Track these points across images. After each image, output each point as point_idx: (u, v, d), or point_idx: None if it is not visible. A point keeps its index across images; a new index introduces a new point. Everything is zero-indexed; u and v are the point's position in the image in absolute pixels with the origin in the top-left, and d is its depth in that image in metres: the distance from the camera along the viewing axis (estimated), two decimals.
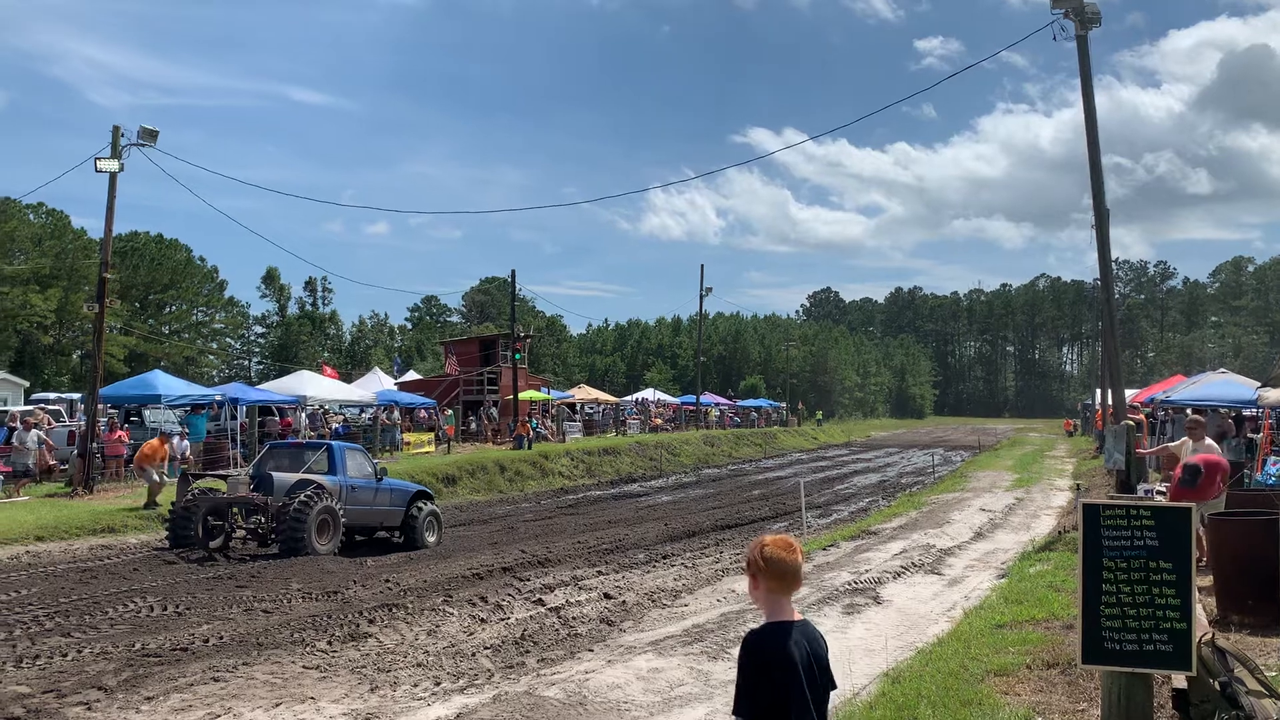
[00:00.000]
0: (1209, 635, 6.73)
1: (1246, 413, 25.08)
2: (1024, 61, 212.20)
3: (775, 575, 3.38)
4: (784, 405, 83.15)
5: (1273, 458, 17.83)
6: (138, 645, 10.28)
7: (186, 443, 28.40)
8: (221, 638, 10.74)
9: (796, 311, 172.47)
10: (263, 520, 16.65)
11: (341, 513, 17.07)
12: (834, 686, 3.48)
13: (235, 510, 16.99)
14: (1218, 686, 6.18)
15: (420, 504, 18.77)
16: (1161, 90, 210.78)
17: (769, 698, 3.31)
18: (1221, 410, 23.56)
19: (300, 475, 17.16)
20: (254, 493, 16.90)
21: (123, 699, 8.38)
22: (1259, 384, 21.52)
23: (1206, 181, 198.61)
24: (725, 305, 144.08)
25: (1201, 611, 7.51)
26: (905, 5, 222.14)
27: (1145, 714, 6.25)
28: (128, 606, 12.34)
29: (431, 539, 18.65)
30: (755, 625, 3.52)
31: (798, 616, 3.43)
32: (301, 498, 16.41)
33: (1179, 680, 6.49)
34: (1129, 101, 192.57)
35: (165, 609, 12.32)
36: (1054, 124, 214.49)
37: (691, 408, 62.94)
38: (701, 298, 61.34)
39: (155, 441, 21.93)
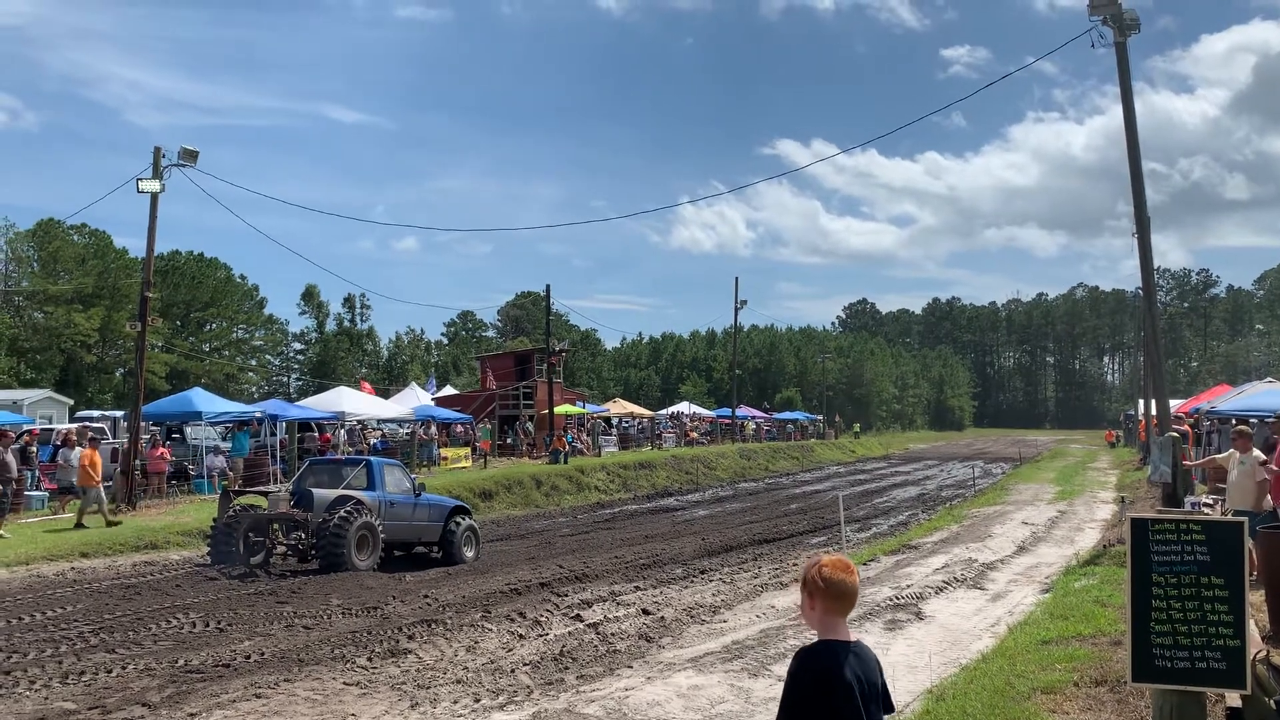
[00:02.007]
0: (1263, 652, 6.58)
1: None
2: (1054, 69, 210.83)
3: (832, 596, 3.32)
4: (820, 418, 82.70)
5: None
6: (181, 661, 10.36)
7: (223, 459, 28.74)
8: (263, 654, 10.80)
9: (832, 323, 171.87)
10: (303, 536, 16.74)
11: (381, 528, 17.10)
12: (891, 710, 3.41)
13: (276, 527, 17.11)
14: (1273, 705, 6.04)
15: (458, 519, 18.84)
16: (1195, 95, 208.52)
17: (816, 717, 3.25)
18: (1269, 421, 23.08)
19: (340, 491, 17.21)
20: (294, 509, 17.01)
21: (166, 715, 8.45)
22: None
23: (1244, 187, 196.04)
24: (759, 317, 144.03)
25: (1255, 628, 7.34)
26: (931, 14, 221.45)
27: None
28: (171, 623, 12.45)
29: (469, 554, 18.71)
30: (806, 643, 3.46)
31: (852, 637, 3.37)
32: (341, 513, 16.48)
33: (1233, 699, 6.34)
34: (1162, 107, 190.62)
35: (208, 625, 12.41)
36: (1085, 131, 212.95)
37: (727, 421, 62.75)
38: (736, 310, 61.25)
39: (89, 451, 21.15)
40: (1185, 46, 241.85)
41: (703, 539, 21.45)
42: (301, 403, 37.79)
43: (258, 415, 31.49)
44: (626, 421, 58.10)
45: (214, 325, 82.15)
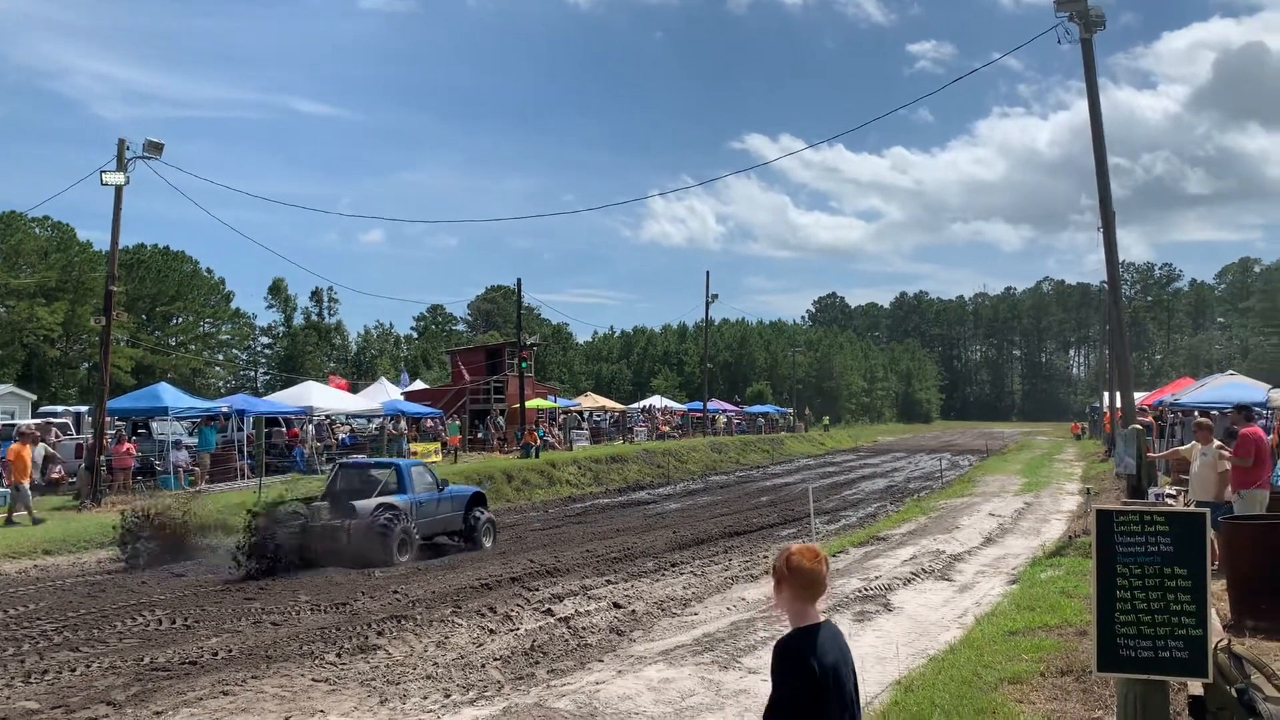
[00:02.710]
0: (1225, 641, 6.67)
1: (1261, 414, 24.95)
2: (1019, 65, 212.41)
3: (800, 584, 3.44)
4: (791, 411, 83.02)
5: None
6: (146, 659, 10.26)
7: (189, 454, 28.47)
8: (230, 651, 10.72)
9: (802, 317, 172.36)
10: (346, 542, 16.80)
11: (415, 529, 17.91)
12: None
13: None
14: (1234, 693, 6.12)
15: (478, 511, 20.05)
16: (1157, 91, 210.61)
17: (806, 700, 3.32)
18: (1228, 412, 23.45)
19: (378, 499, 17.75)
20: (337, 519, 17.11)
21: (132, 714, 8.37)
22: (1270, 385, 21.44)
23: (1205, 182, 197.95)
24: (730, 311, 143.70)
25: (1216, 617, 7.45)
26: (898, 9, 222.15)
27: None
28: (136, 620, 12.33)
29: (488, 542, 19.73)
30: (778, 634, 3.52)
31: (822, 619, 3.47)
32: (382, 521, 17.20)
33: (1195, 687, 6.44)
34: (1125, 103, 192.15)
35: (174, 622, 12.31)
36: (1050, 126, 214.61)
37: (698, 414, 62.88)
38: (708, 304, 61.33)
39: (17, 446, 20.81)
40: (1147, 43, 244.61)
41: (674, 532, 21.49)
42: (269, 397, 37.46)
43: (224, 410, 31.21)
44: (598, 415, 58.06)
45: (180, 319, 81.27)
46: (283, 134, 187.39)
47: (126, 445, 26.74)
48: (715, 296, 61.49)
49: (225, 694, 8.93)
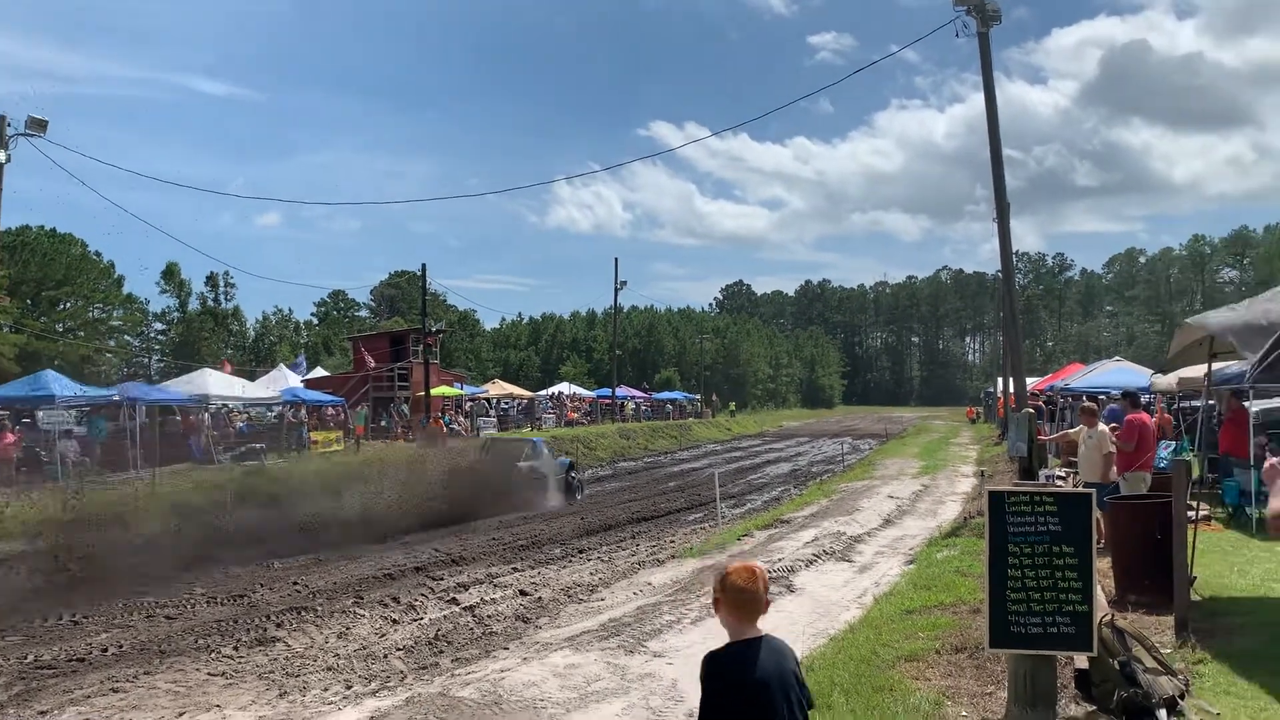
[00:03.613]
0: (1109, 616, 6.95)
1: (1144, 399, 26.01)
2: (916, 57, 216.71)
3: (733, 601, 3.41)
4: (698, 397, 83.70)
5: (1165, 442, 18.51)
6: (30, 657, 9.86)
7: (78, 444, 27.45)
8: (121, 646, 10.37)
9: (710, 304, 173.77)
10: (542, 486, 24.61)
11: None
12: (812, 705, 3.45)
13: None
14: (1117, 666, 6.39)
15: (574, 473, 26.79)
16: (1048, 86, 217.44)
17: (721, 714, 3.30)
18: (1116, 396, 24.41)
19: (558, 459, 26.95)
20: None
21: (14, 714, 8.03)
22: (1152, 371, 22.35)
23: (1093, 175, 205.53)
24: (639, 298, 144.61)
25: (1101, 593, 7.76)
26: (799, 0, 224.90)
27: (1050, 695, 6.42)
28: (20, 616, 11.84)
29: (579, 496, 26.15)
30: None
31: (759, 632, 3.41)
32: (568, 473, 26.13)
33: (1081, 661, 6.70)
34: (1018, 97, 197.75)
35: (60, 618, 11.86)
36: (947, 119, 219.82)
37: (607, 401, 62.95)
38: (616, 291, 61.38)
39: None
40: (1038, 39, 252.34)
41: (581, 519, 21.48)
42: (163, 385, 36.27)
43: (115, 398, 30.12)
44: (506, 403, 57.69)
45: (68, 304, 77.97)
46: (181, 114, 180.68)
47: (9, 436, 25.61)
48: (624, 283, 61.56)
49: (115, 691, 8.63)
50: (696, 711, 3.41)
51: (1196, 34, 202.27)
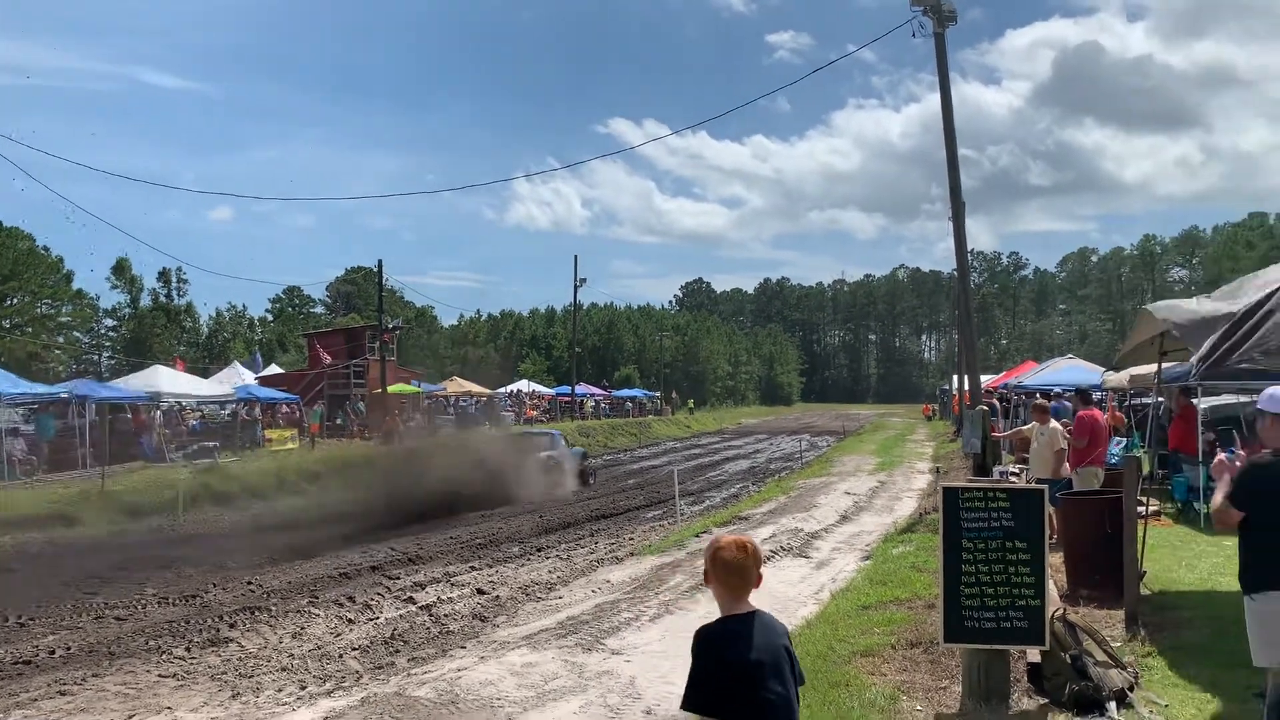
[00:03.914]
0: (1060, 611, 7.04)
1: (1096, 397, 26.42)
2: (873, 57, 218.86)
3: (725, 573, 3.36)
4: (658, 395, 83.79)
5: (1116, 439, 18.81)
6: None
7: (24, 442, 26.91)
8: (69, 648, 10.19)
9: (670, 302, 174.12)
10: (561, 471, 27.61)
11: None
12: (803, 680, 3.42)
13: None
14: (1069, 659, 6.47)
15: (587, 461, 30.88)
16: (1002, 87, 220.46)
17: (709, 689, 3.25)
18: (1069, 394, 24.76)
19: (573, 449, 30.77)
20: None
21: None
22: (1104, 369, 22.69)
23: (1046, 174, 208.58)
24: (599, 295, 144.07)
25: (1054, 588, 7.86)
26: None
27: (1003, 688, 6.50)
28: None
29: (591, 480, 29.27)
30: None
31: (751, 608, 3.37)
32: (584, 462, 30.05)
33: (1034, 655, 6.78)
34: (972, 97, 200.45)
35: (7, 620, 11.62)
36: (903, 118, 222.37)
37: (566, 399, 62.81)
38: (576, 288, 61.29)
39: None
40: (992, 40, 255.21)
41: (540, 516, 21.42)
42: (113, 383, 35.63)
43: (64, 396, 29.55)
44: (464, 400, 57.37)
45: (14, 300, 76.39)
46: (133, 107, 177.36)
47: None
48: (584, 280, 61.58)
49: (63, 694, 8.47)
50: (684, 688, 3.34)
51: (1146, 36, 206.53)
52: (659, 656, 8.92)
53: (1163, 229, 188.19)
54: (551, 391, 68.50)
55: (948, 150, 19.44)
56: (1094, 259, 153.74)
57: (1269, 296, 7.53)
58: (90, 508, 20.85)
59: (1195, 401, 15.37)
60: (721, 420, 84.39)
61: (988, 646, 6.42)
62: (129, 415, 32.15)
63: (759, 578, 3.39)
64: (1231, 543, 5.35)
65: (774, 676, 3.26)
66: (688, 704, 3.32)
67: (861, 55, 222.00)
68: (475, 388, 62.75)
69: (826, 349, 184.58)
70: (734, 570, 3.36)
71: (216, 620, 11.35)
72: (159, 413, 32.73)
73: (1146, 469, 15.03)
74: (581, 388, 68.49)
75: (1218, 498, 5.27)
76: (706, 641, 3.34)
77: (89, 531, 19.51)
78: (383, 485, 22.95)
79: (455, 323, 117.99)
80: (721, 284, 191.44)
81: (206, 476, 25.13)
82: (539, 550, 16.72)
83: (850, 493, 22.95)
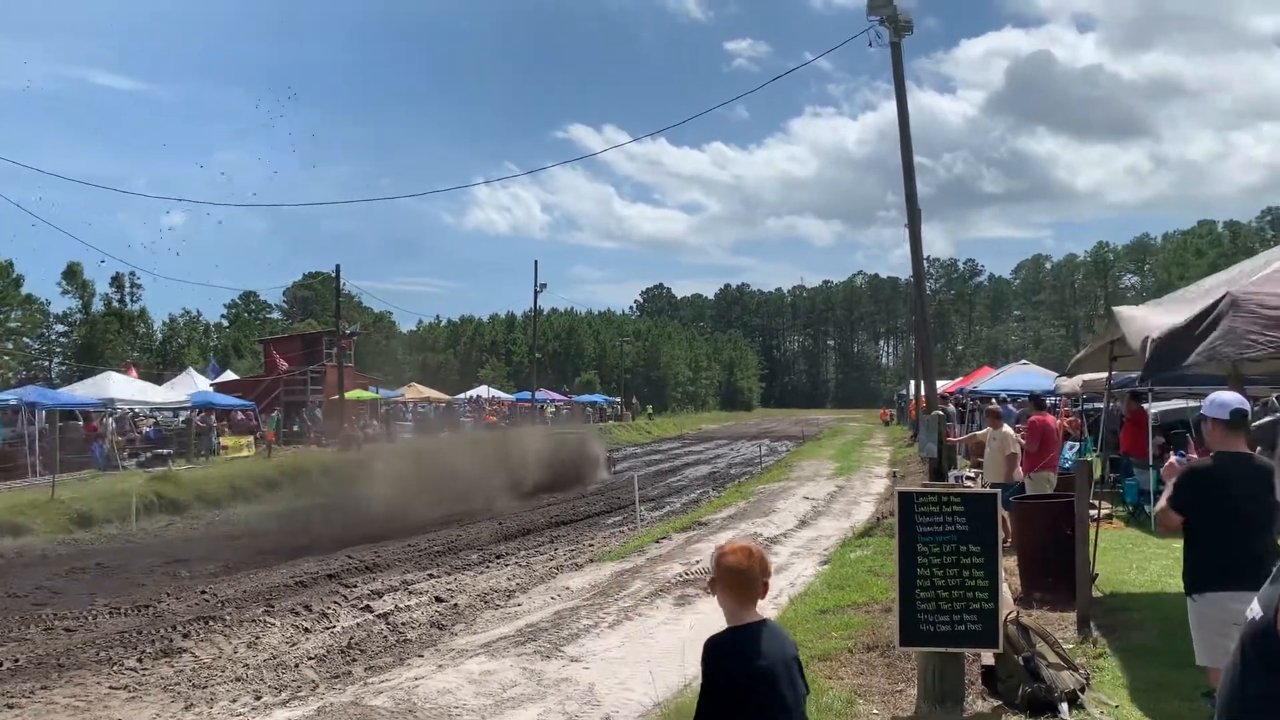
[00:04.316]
0: (1014, 613, 7.13)
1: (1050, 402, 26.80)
2: (829, 65, 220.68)
3: (730, 582, 3.32)
4: (619, 400, 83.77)
5: (1070, 443, 19.09)
6: None
7: None
8: (17, 661, 9.99)
9: (631, 307, 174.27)
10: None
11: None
12: (807, 690, 3.37)
13: None
14: (1022, 662, 6.56)
15: (610, 454, 36.30)
16: (956, 96, 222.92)
17: (719, 702, 3.21)
18: (1022, 400, 25.08)
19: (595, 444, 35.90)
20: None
21: None
22: (1057, 374, 23.01)
23: (1000, 182, 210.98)
24: (560, 301, 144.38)
25: (1008, 591, 7.96)
26: (715, 6, 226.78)
27: (958, 691, 6.57)
28: None
29: (613, 470, 34.05)
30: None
31: (759, 617, 3.33)
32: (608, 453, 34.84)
33: (988, 657, 6.86)
34: (927, 106, 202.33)
35: None
36: (859, 126, 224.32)
37: (526, 404, 62.60)
38: (536, 293, 61.03)
39: None
40: (947, 50, 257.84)
41: (500, 523, 21.33)
42: (65, 390, 35.01)
43: (13, 403, 28.99)
44: (423, 406, 56.99)
45: None
46: (85, 109, 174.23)
47: None
48: (544, 286, 61.21)
49: (10, 707, 8.30)
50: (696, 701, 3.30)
51: (1096, 47, 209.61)
52: (618, 663, 8.92)
53: (1114, 236, 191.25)
54: (512, 397, 68.23)
55: (904, 159, 19.63)
56: (1048, 265, 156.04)
57: (1216, 302, 7.69)
58: (40, 517, 20.47)
59: (1146, 406, 15.65)
60: (682, 425, 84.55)
61: (943, 650, 6.48)
62: (80, 422, 31.61)
63: (765, 586, 3.35)
64: (1181, 545, 5.46)
65: (788, 688, 3.23)
66: (698, 714, 3.28)
67: (818, 64, 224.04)
68: (434, 393, 62.36)
69: (786, 354, 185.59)
70: (739, 578, 3.31)
71: (169, 630, 11.19)
72: (111, 420, 32.20)
73: (1098, 473, 15.26)
74: (542, 393, 68.32)
75: (1162, 500, 5.39)
76: (714, 653, 3.29)
77: (38, 541, 19.16)
78: (499, 464, 28.03)
79: (414, 328, 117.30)
80: (682, 290, 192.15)
81: (160, 484, 24.73)
82: (498, 557, 16.65)
83: (809, 497, 23.08)
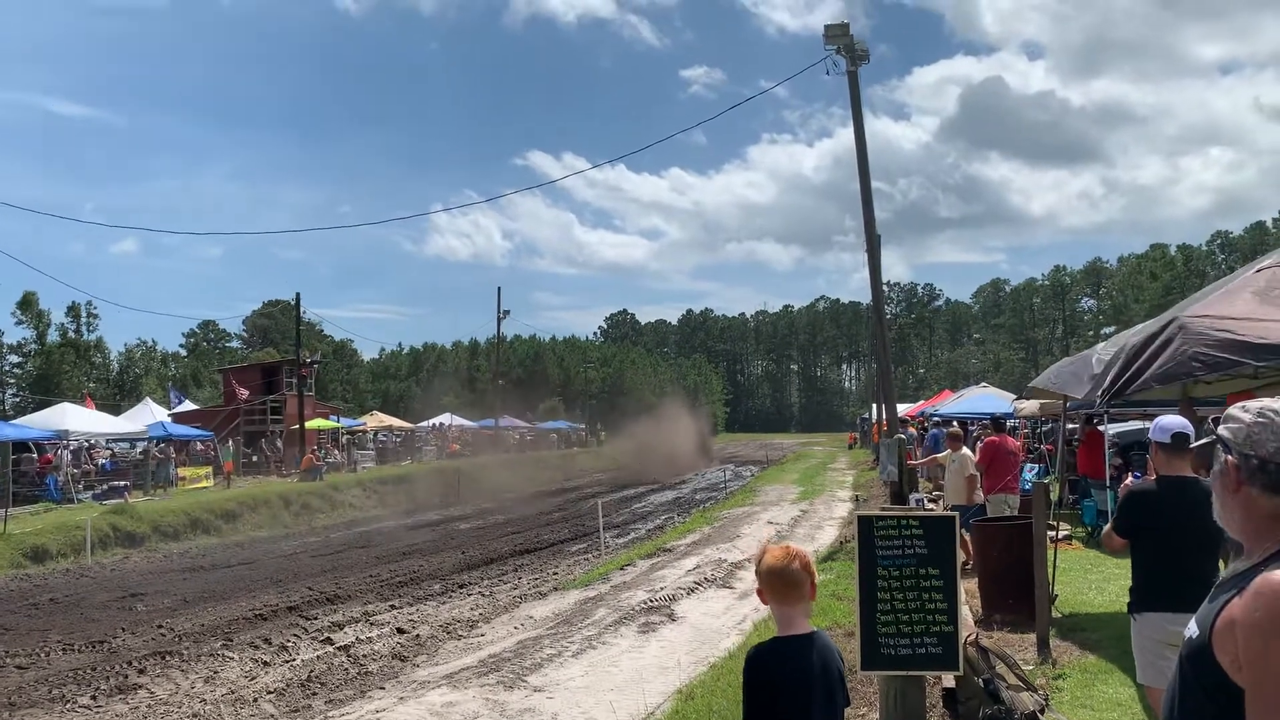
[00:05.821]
0: (974, 635, 7.19)
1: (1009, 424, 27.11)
2: (786, 93, 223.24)
3: (776, 586, 3.24)
4: (583, 426, 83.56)
5: (1028, 465, 19.30)
6: None
7: None
8: None
9: (595, 333, 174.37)
10: None
11: None
12: (848, 703, 3.30)
13: None
14: (982, 684, 6.61)
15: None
16: (911, 122, 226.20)
17: (770, 718, 3.16)
18: (983, 422, 25.33)
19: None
20: None
21: None
22: (1015, 397, 23.28)
23: (955, 207, 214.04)
24: (523, 328, 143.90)
25: (969, 613, 8.02)
26: (670, 34, 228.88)
27: (919, 714, 6.59)
28: None
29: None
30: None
31: (808, 629, 3.25)
32: None
33: (948, 680, 6.90)
34: (882, 132, 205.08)
35: None
36: (816, 153, 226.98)
37: (490, 432, 62.29)
38: (499, 320, 61.03)
39: None
40: (901, 77, 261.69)
41: (463, 552, 21.18)
42: (18, 421, 34.37)
43: None
44: (384, 435, 56.54)
45: None
46: (36, 136, 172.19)
47: None
48: (507, 312, 61.25)
49: None
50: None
51: (1046, 74, 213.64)
52: (582, 692, 8.87)
53: (1069, 259, 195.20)
54: (475, 425, 67.87)
55: (861, 185, 19.87)
56: (1006, 289, 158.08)
57: (1163, 328, 7.85)
58: None
59: (1101, 428, 15.87)
60: None
61: (904, 673, 6.51)
62: (34, 455, 31.03)
63: (813, 589, 3.28)
64: None
65: (829, 703, 3.18)
66: None
67: (775, 91, 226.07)
68: (396, 421, 61.93)
69: (750, 379, 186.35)
70: (780, 576, 3.23)
71: (125, 666, 10.99)
72: (67, 452, 31.63)
73: (1056, 495, 15.43)
74: (505, 420, 68.03)
75: (1109, 526, 5.49)
76: (756, 664, 3.24)
77: None
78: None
79: (376, 356, 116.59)
80: (646, 315, 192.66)
81: (115, 517, 24.31)
82: (461, 587, 16.52)
83: (773, 522, 23.13)
